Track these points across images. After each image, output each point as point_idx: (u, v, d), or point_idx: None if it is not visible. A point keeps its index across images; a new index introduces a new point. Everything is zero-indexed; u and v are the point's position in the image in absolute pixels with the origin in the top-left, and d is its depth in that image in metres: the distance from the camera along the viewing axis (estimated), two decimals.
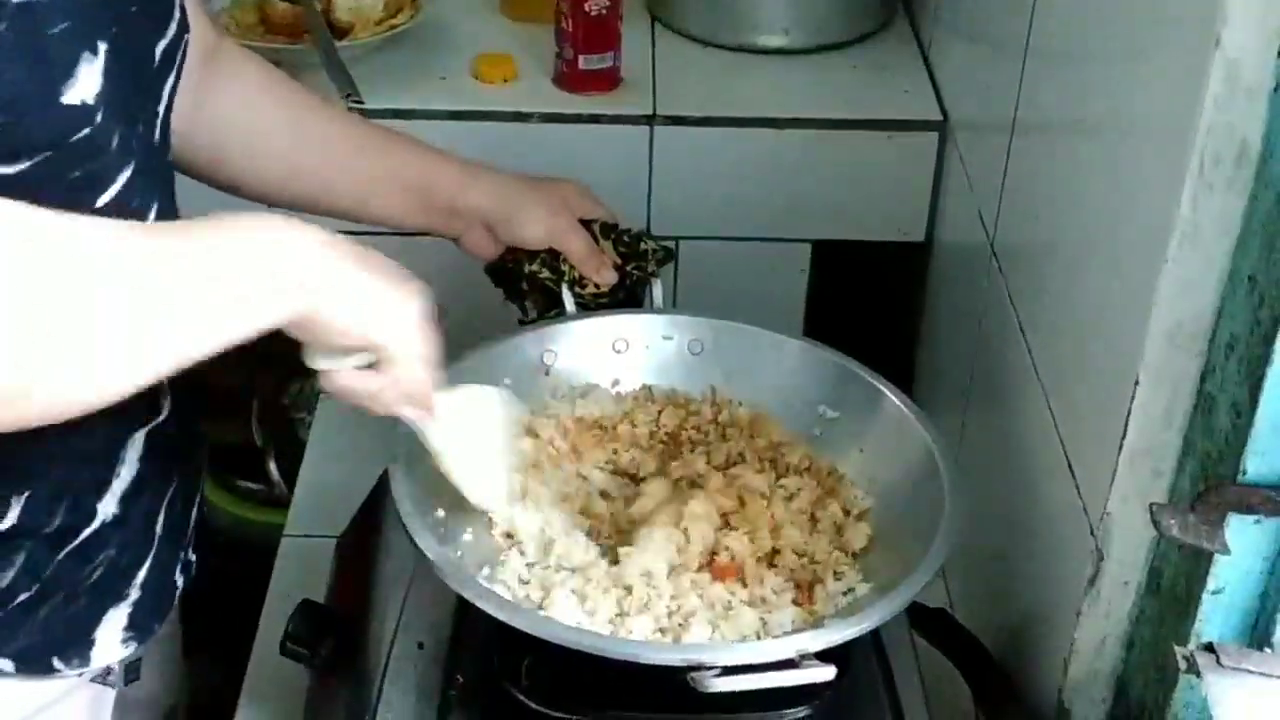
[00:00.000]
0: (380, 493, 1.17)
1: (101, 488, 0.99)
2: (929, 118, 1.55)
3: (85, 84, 0.86)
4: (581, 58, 1.54)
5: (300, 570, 1.34)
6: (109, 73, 0.88)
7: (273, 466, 1.77)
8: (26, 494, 0.94)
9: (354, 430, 1.54)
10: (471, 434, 1.02)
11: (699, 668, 0.89)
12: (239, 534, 1.77)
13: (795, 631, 0.99)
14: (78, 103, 0.85)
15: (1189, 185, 0.84)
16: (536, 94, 1.56)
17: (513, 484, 1.07)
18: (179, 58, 1.00)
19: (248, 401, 1.79)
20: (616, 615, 0.99)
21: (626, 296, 1.26)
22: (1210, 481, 0.89)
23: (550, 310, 1.24)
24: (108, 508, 0.99)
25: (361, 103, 1.50)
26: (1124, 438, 0.93)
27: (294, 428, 1.74)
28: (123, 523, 1.00)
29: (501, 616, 0.93)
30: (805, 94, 1.59)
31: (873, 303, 1.64)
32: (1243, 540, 0.89)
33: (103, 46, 0.87)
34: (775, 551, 1.05)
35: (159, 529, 1.04)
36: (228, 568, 1.54)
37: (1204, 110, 0.82)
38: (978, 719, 1.11)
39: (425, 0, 1.67)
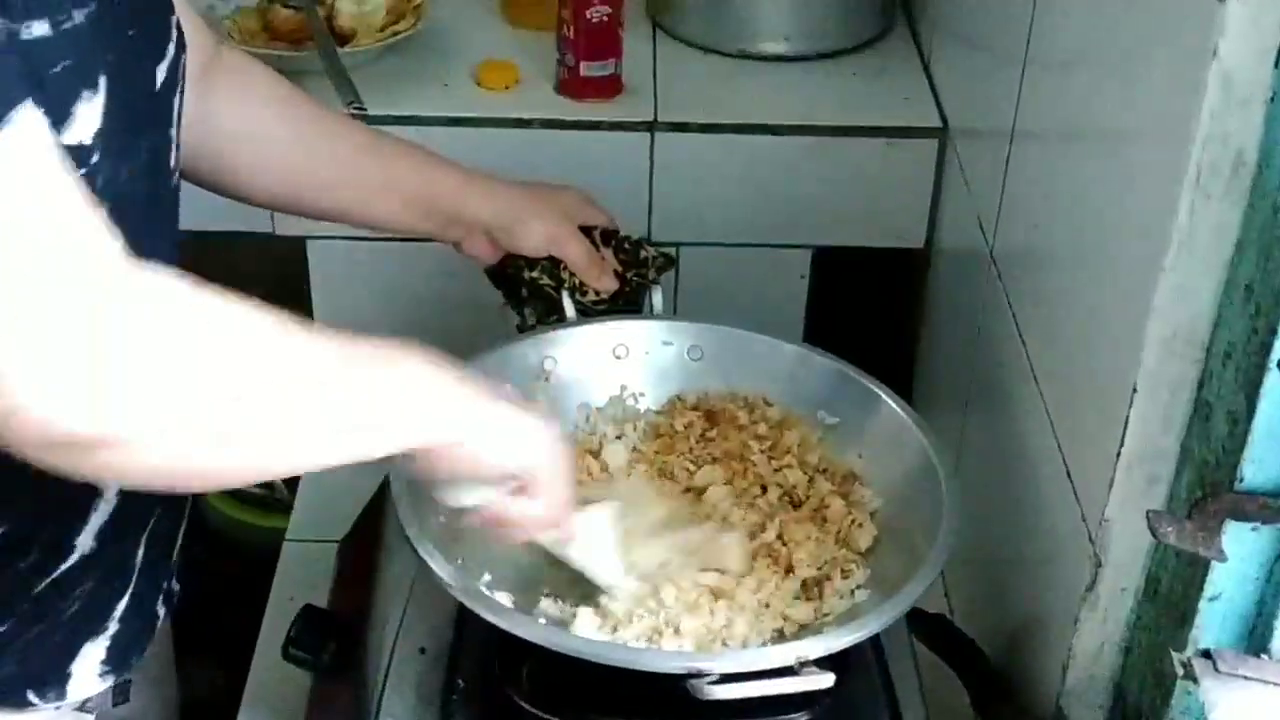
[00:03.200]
0: (382, 498, 1.18)
1: (79, 523, 0.97)
2: (928, 125, 1.55)
3: (83, 124, 0.83)
4: (583, 64, 1.54)
5: (302, 575, 1.35)
6: (110, 109, 0.85)
7: None
8: (2, 530, 0.93)
9: None
10: (605, 543, 1.04)
11: (698, 675, 0.90)
12: (240, 538, 1.77)
13: (800, 632, 1.00)
14: (74, 143, 0.82)
15: (1186, 194, 0.85)
16: (538, 101, 1.57)
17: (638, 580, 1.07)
18: (180, 77, 0.99)
19: None
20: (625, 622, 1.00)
21: (626, 303, 1.26)
22: (1207, 489, 0.90)
23: (550, 316, 1.24)
24: (86, 542, 0.97)
25: (364, 109, 1.51)
26: (1122, 444, 0.93)
27: None
28: (100, 557, 0.98)
29: (501, 624, 0.93)
30: (805, 101, 1.59)
31: (872, 309, 1.64)
32: (1240, 547, 0.89)
33: (103, 80, 0.84)
34: (784, 547, 1.06)
35: (138, 562, 1.03)
36: (229, 572, 1.54)
37: (1201, 120, 0.83)
38: None
39: (427, 7, 1.67)
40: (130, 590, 1.03)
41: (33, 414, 0.72)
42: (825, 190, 1.56)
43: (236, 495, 1.81)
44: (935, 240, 1.57)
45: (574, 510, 0.98)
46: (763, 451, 1.14)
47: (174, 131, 0.98)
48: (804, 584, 1.04)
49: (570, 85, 1.56)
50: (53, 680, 1.00)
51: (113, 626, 1.02)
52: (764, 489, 1.11)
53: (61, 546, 0.97)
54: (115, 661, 1.03)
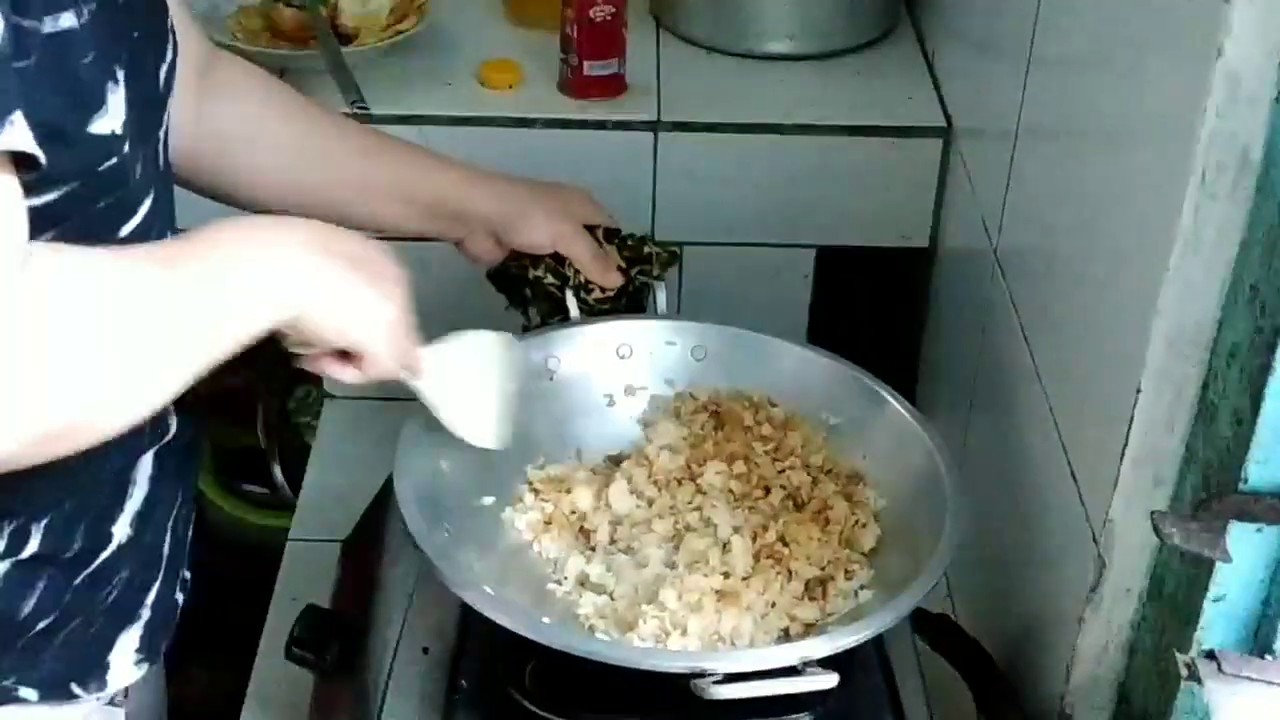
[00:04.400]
0: (385, 497, 1.18)
1: (116, 510, 0.99)
2: (933, 124, 1.55)
3: (115, 113, 0.86)
4: (586, 64, 1.54)
5: (305, 574, 1.35)
6: (130, 101, 0.88)
7: (277, 470, 1.77)
8: (45, 521, 0.94)
9: (359, 434, 1.54)
10: (467, 379, 1.07)
11: (701, 674, 0.89)
12: (242, 537, 1.77)
13: (806, 632, 1.00)
14: (107, 132, 0.85)
15: (1191, 193, 0.85)
16: (542, 100, 1.56)
17: (508, 421, 1.10)
18: (174, 81, 1.00)
19: (252, 404, 1.79)
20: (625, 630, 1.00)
21: (630, 302, 1.26)
22: (1212, 489, 0.89)
23: (553, 316, 1.24)
24: (122, 530, 0.99)
25: (367, 108, 1.51)
26: (1126, 445, 0.93)
27: (299, 431, 1.74)
28: (136, 544, 1.00)
29: (505, 622, 0.93)
30: (809, 100, 1.59)
31: (876, 309, 1.64)
32: (1244, 548, 0.89)
33: (121, 74, 0.87)
34: (786, 548, 1.06)
35: (166, 547, 1.05)
36: (231, 571, 1.54)
37: (1206, 119, 0.83)
38: None
39: (431, 6, 1.67)
40: (160, 576, 1.04)
41: None
42: (829, 189, 1.55)
43: (239, 494, 1.81)
44: (939, 240, 1.57)
45: (421, 349, 1.02)
46: (766, 452, 1.14)
47: (162, 132, 0.98)
48: (808, 584, 1.04)
49: (573, 84, 1.56)
50: (94, 671, 1.01)
51: (145, 614, 1.03)
52: (767, 490, 1.11)
53: (101, 535, 0.98)
54: (147, 649, 1.05)
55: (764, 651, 0.96)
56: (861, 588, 1.04)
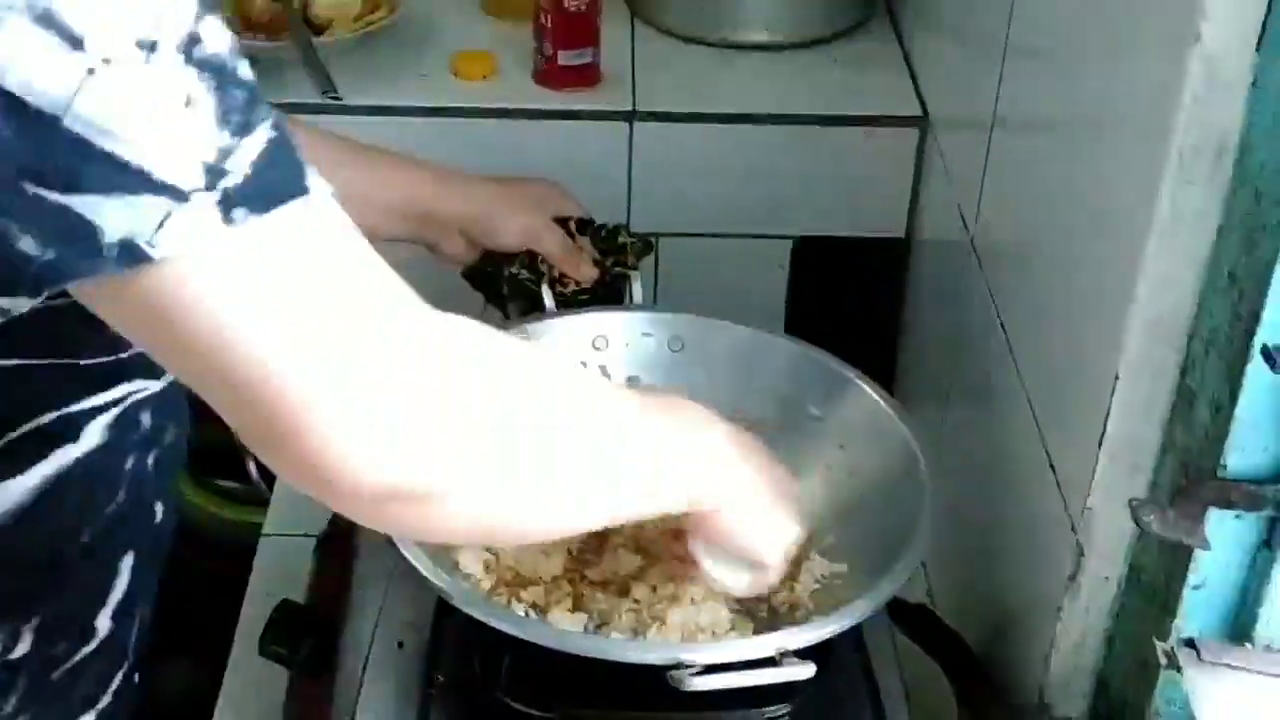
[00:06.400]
0: None
1: (100, 605, 0.96)
2: (909, 114, 1.55)
3: None
4: (561, 54, 1.54)
5: (279, 570, 1.34)
6: None
7: (252, 465, 1.75)
8: (37, 620, 0.91)
9: None
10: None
11: (678, 666, 0.89)
12: (217, 533, 1.76)
13: (781, 617, 0.99)
14: None
15: (1168, 180, 0.84)
16: (516, 90, 1.56)
17: None
18: None
19: None
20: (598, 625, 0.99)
21: (607, 293, 1.25)
22: (1190, 476, 0.89)
23: (531, 311, 1.23)
24: (104, 624, 0.96)
25: (340, 100, 1.50)
26: (1104, 433, 0.93)
27: None
28: (113, 638, 0.97)
29: (481, 617, 0.93)
30: (785, 90, 1.59)
31: (853, 299, 1.64)
32: (1223, 535, 0.89)
33: None
34: None
35: (133, 637, 1.01)
36: (205, 566, 1.53)
37: (1183, 105, 0.82)
38: (959, 715, 1.11)
39: None
40: (126, 666, 1.01)
41: (358, 470, 0.71)
42: (805, 180, 1.55)
43: (213, 490, 1.80)
44: (915, 229, 1.57)
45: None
46: None
47: None
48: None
49: (548, 75, 1.55)
50: None
51: (105, 700, 1.00)
52: None
53: (86, 630, 0.95)
54: None
55: (741, 642, 0.96)
56: (837, 575, 1.04)
